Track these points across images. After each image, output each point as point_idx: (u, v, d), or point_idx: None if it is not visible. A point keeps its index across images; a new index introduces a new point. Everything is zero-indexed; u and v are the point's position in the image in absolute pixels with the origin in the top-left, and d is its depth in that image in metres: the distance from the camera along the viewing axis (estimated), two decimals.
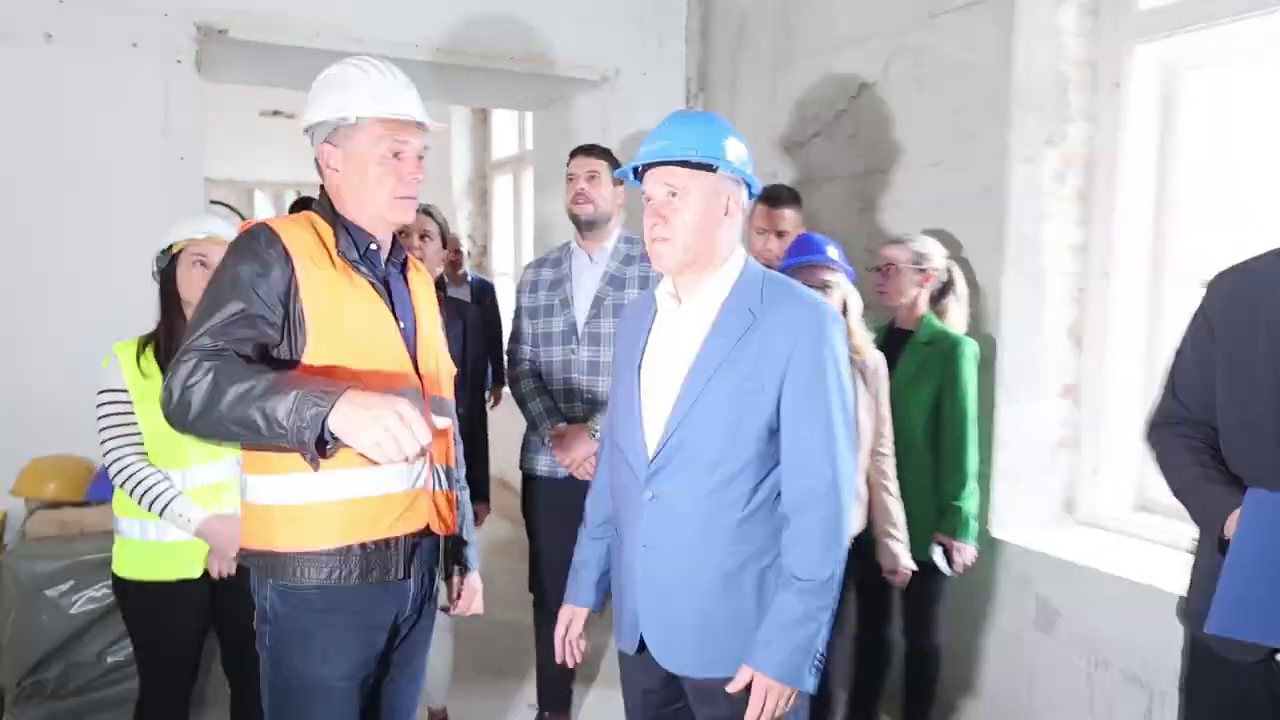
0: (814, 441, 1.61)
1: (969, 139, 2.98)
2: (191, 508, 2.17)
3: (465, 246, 4.10)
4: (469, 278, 3.88)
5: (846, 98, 3.47)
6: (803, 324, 1.62)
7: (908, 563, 2.47)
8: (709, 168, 1.64)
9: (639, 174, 1.71)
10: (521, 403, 2.87)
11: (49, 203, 3.11)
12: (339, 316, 1.62)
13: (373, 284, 1.70)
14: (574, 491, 2.52)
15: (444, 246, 2.92)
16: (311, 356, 1.59)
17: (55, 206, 3.12)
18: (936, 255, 2.74)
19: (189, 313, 2.23)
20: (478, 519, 3.01)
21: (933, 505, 2.64)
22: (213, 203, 7.28)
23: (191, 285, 2.21)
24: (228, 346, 1.52)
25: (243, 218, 7.41)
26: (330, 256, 1.66)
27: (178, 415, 1.49)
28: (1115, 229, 2.85)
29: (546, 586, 2.92)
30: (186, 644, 2.29)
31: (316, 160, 1.73)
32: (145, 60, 3.21)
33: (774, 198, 2.97)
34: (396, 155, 1.69)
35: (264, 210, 8.16)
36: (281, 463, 1.61)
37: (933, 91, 3.11)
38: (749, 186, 1.71)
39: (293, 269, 1.60)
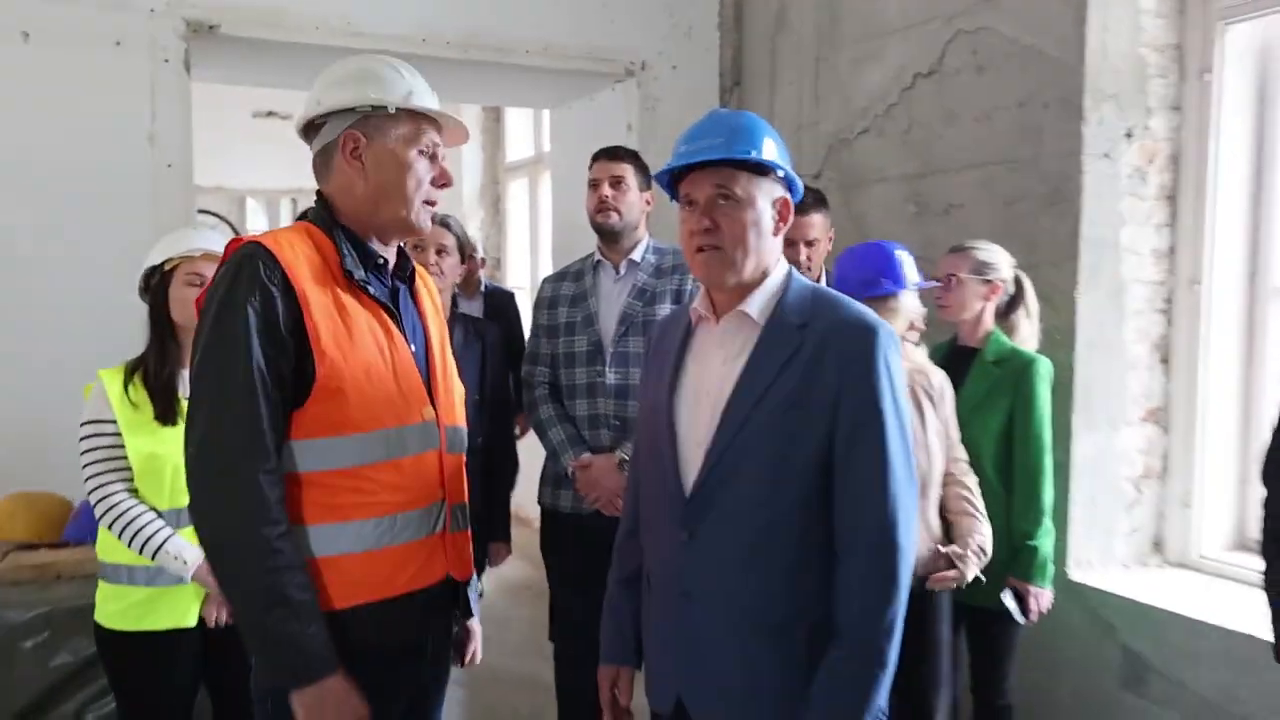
0: (867, 475, 1.58)
1: (1037, 134, 2.95)
2: (187, 548, 2.18)
3: (479, 254, 4.07)
4: (484, 287, 3.86)
5: (898, 90, 3.46)
6: (856, 344, 1.59)
7: (964, 575, 2.39)
8: (763, 171, 1.64)
9: (675, 179, 1.70)
10: (540, 431, 2.86)
11: (24, 214, 3.15)
12: (349, 347, 1.60)
13: (384, 305, 1.68)
14: (601, 530, 2.50)
15: (463, 261, 2.92)
16: (321, 392, 1.57)
17: (31, 218, 3.16)
18: (1003, 264, 2.70)
19: (182, 336, 2.25)
20: (496, 559, 3.01)
21: (1004, 545, 2.58)
22: (201, 212, 7.37)
23: (185, 307, 2.22)
24: (266, 448, 1.52)
25: (234, 228, 7.48)
26: (334, 275, 1.63)
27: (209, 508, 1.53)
28: (1205, 232, 2.81)
29: (568, 636, 2.89)
30: (177, 702, 2.27)
31: (320, 157, 1.69)
32: (130, 60, 3.25)
33: (799, 204, 2.94)
34: (432, 156, 1.69)
35: (256, 221, 8.25)
36: (299, 513, 1.59)
37: (995, 81, 3.09)
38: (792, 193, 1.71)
39: (297, 297, 1.56)
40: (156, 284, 2.26)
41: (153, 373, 2.22)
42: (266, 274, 1.55)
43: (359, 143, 1.66)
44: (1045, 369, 2.63)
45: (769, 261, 1.68)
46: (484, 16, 3.77)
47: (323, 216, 1.69)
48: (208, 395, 1.54)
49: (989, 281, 2.67)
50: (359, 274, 1.65)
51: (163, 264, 2.27)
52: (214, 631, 2.24)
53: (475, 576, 1.98)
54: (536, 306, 2.97)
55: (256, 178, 7.68)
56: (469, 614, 1.93)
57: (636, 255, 2.85)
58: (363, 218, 1.68)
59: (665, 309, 2.74)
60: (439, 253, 2.84)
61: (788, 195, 1.70)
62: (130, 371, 2.24)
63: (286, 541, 1.52)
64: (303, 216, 1.72)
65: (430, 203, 1.71)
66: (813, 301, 1.67)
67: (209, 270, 2.22)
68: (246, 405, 1.51)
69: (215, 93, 4.75)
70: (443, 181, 1.71)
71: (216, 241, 2.30)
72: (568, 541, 2.88)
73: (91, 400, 2.21)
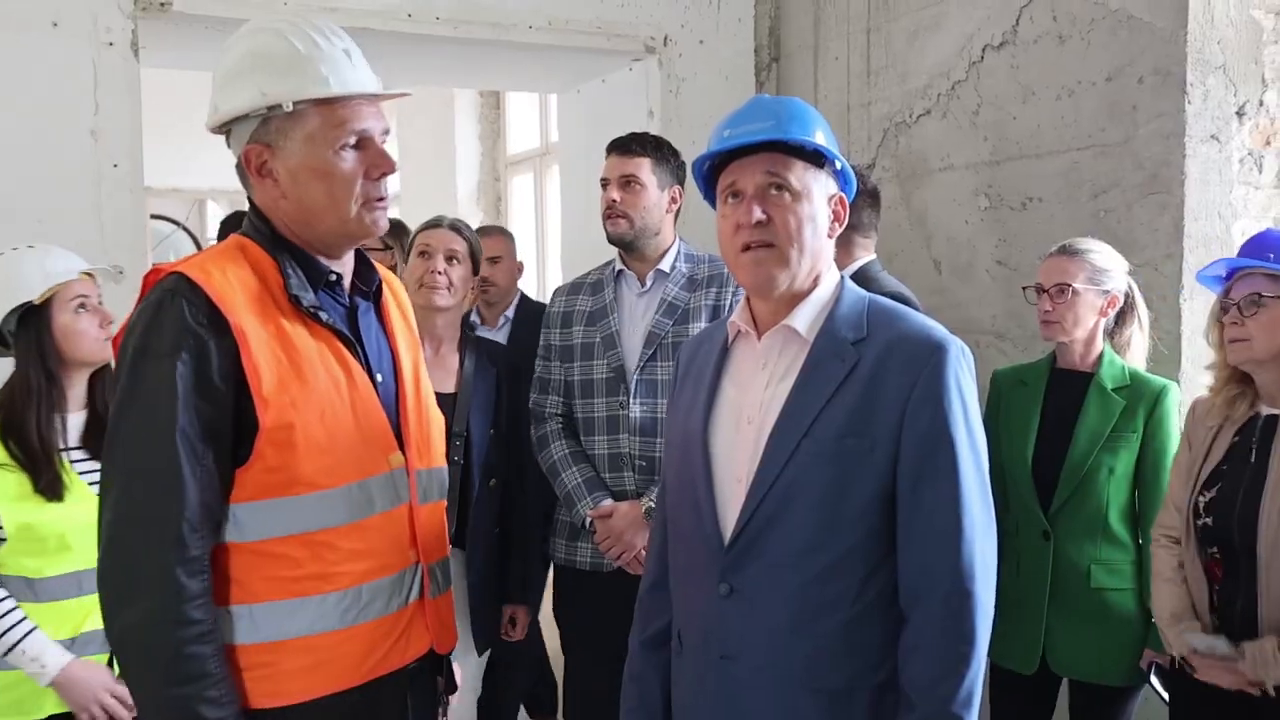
0: (940, 512, 1.57)
1: (1130, 113, 2.93)
2: (49, 650, 2.17)
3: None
4: (514, 303, 3.76)
5: (966, 64, 3.45)
6: (921, 362, 1.59)
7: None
8: (818, 162, 1.64)
9: (712, 171, 1.70)
10: (552, 473, 2.83)
11: None
12: (298, 389, 1.56)
13: (339, 333, 1.64)
14: (625, 590, 2.46)
15: (474, 272, 2.87)
16: (267, 446, 1.54)
17: None
18: (1119, 271, 2.63)
19: (72, 376, 2.26)
20: (515, 626, 2.92)
21: (1136, 612, 2.55)
22: (154, 217, 7.45)
23: (81, 340, 2.24)
24: (181, 537, 1.48)
25: (191, 235, 7.56)
26: (276, 302, 1.59)
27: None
28: None
29: (584, 713, 2.87)
30: None
31: (240, 169, 1.64)
32: (68, 42, 3.27)
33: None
34: (358, 145, 1.61)
35: (218, 226, 8.32)
36: (247, 588, 1.56)
37: (1080, 53, 3.07)
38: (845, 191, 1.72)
39: (234, 337, 1.51)
40: (31, 323, 2.23)
41: (30, 432, 2.20)
42: (192, 314, 1.50)
43: (263, 157, 1.60)
44: (1177, 397, 2.58)
45: (821, 266, 1.68)
46: None
47: (260, 230, 1.64)
48: (120, 472, 1.51)
49: (1107, 292, 2.60)
50: (307, 298, 1.61)
51: (51, 297, 2.24)
52: None
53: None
54: (546, 324, 2.94)
55: (219, 178, 7.76)
56: (454, 688, 1.91)
57: (665, 265, 2.82)
58: (301, 232, 1.64)
59: (700, 329, 2.70)
60: (449, 260, 2.77)
61: (843, 193, 1.70)
62: None
63: (204, 645, 1.48)
64: (229, 227, 1.67)
65: (375, 200, 1.63)
66: (870, 313, 1.67)
67: (94, 291, 2.24)
68: (163, 483, 1.47)
69: (168, 80, 4.80)
70: (380, 170, 1.63)
71: (78, 260, 2.31)
72: (586, 603, 2.86)
73: None
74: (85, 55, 3.29)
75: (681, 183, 2.84)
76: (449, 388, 2.76)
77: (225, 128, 1.63)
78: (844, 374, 1.61)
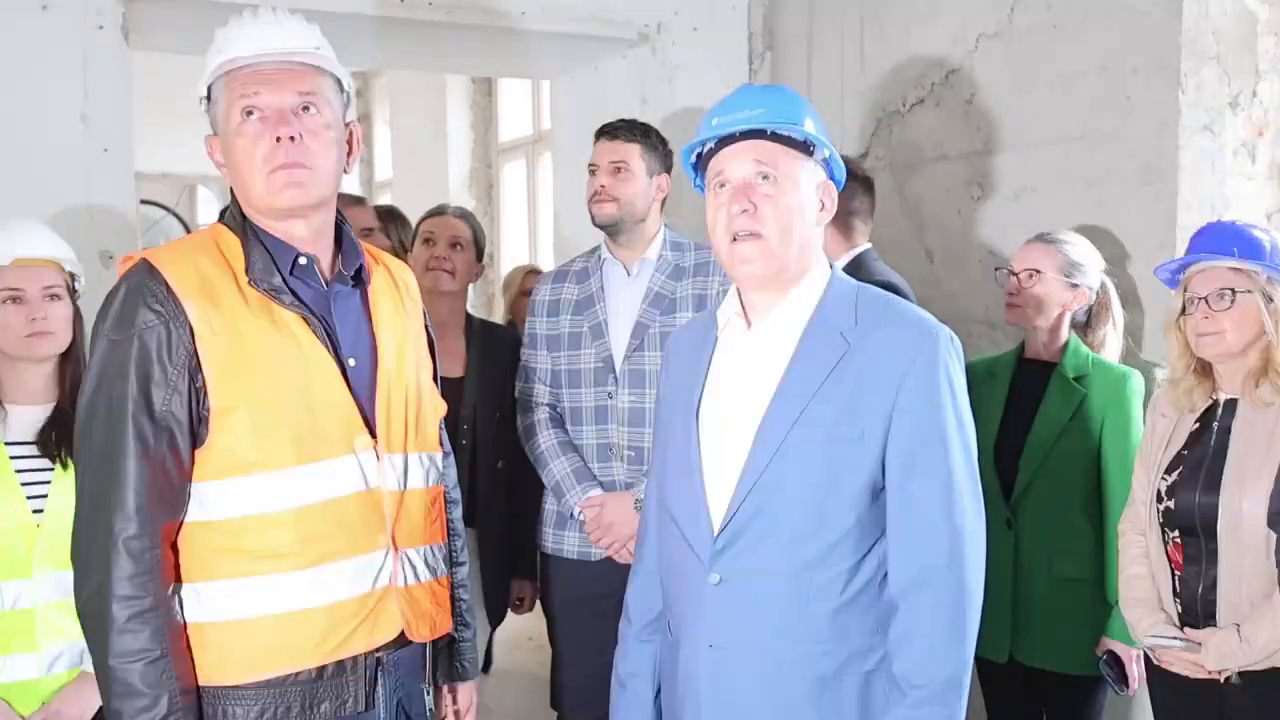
0: (930, 501, 1.59)
1: (1124, 104, 2.93)
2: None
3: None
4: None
5: (960, 53, 3.44)
6: (911, 350, 1.60)
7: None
8: (807, 150, 1.65)
9: (700, 159, 1.71)
10: (540, 462, 2.82)
11: None
12: (254, 371, 1.60)
13: (304, 317, 1.65)
14: (611, 579, 2.48)
15: (479, 259, 2.93)
16: (217, 426, 1.59)
17: None
18: (1092, 268, 2.65)
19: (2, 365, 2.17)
20: (524, 603, 2.99)
21: (1095, 601, 2.56)
22: (144, 203, 7.41)
23: (8, 329, 2.12)
24: (129, 513, 1.54)
25: (181, 221, 7.52)
26: (239, 286, 1.62)
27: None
28: None
29: (573, 702, 2.87)
30: None
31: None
32: (58, 25, 3.24)
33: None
34: (249, 114, 1.61)
35: (210, 212, 8.29)
36: (216, 563, 1.61)
37: (1075, 42, 3.06)
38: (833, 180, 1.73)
39: (188, 321, 1.57)
40: None
41: None
42: (149, 300, 1.57)
43: (213, 143, 1.71)
44: (1139, 385, 2.59)
45: (811, 255, 1.68)
46: None
47: (234, 216, 1.71)
48: (81, 453, 1.61)
49: (1075, 286, 2.62)
50: (270, 282, 1.63)
51: None
52: None
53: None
54: (532, 313, 2.93)
55: (208, 163, 7.71)
56: (456, 676, 1.91)
57: (651, 253, 2.81)
58: (255, 215, 1.69)
59: (686, 318, 2.70)
60: (453, 246, 2.84)
61: (831, 181, 1.71)
62: None
63: (142, 622, 1.53)
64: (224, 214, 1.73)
65: (284, 167, 1.61)
66: (860, 302, 1.68)
67: (31, 282, 2.13)
68: (111, 464, 1.55)
69: (158, 65, 4.76)
70: (277, 132, 1.60)
71: (28, 242, 2.19)
72: (572, 593, 2.85)
73: None
74: (75, 39, 3.25)
75: (669, 171, 2.83)
76: (455, 372, 2.83)
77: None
78: (834, 363, 1.61)
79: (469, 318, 2.95)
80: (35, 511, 2.13)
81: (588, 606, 2.75)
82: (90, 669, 1.98)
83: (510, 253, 6.90)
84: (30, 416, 2.19)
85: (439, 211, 2.93)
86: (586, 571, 2.78)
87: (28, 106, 3.22)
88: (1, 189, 3.16)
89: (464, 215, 2.93)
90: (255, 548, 1.60)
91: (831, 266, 1.73)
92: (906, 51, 3.65)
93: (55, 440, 2.17)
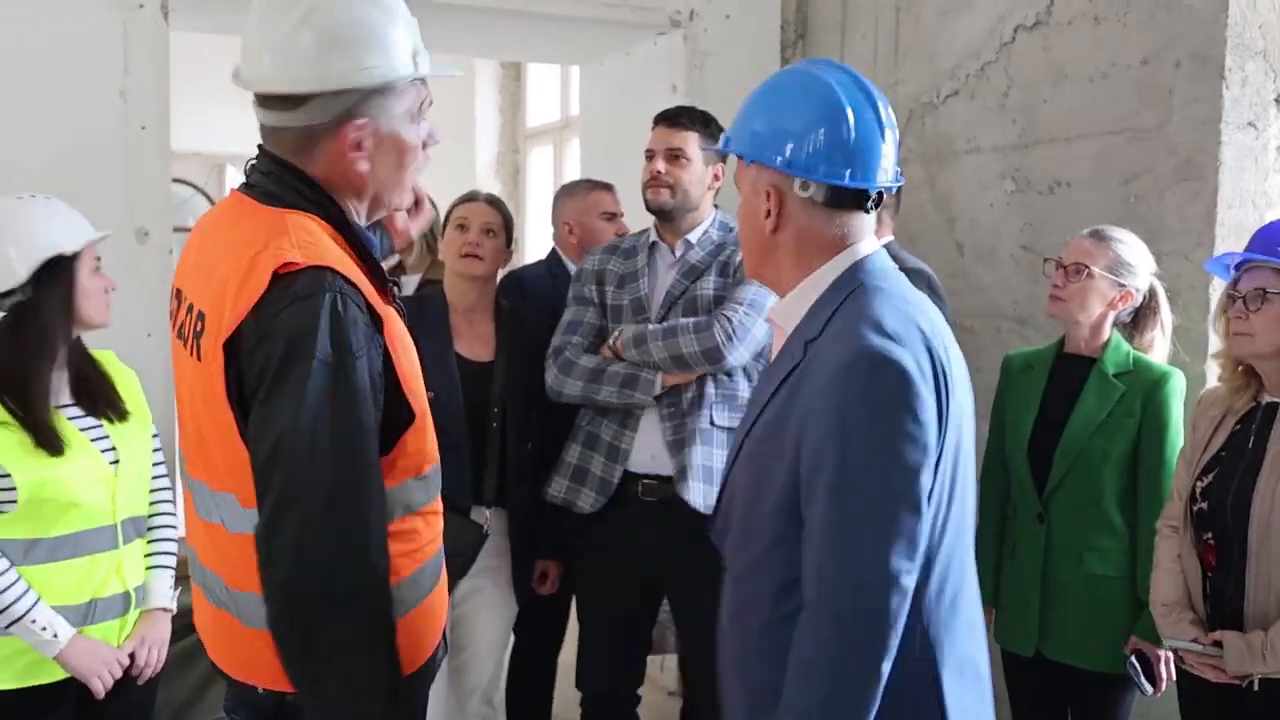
0: (811, 538, 1.49)
1: (1165, 98, 2.89)
2: (59, 620, 2.15)
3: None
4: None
5: (996, 45, 3.40)
6: (829, 374, 1.49)
7: None
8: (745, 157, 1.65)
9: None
10: (594, 379, 2.74)
11: None
12: (414, 373, 1.61)
13: (400, 311, 1.65)
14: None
15: (508, 244, 2.96)
16: (412, 428, 1.59)
17: None
18: (1143, 270, 2.60)
19: (74, 334, 2.24)
20: (548, 582, 3.09)
21: (1127, 600, 2.54)
22: (175, 181, 7.38)
23: (96, 299, 2.24)
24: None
25: (210, 199, 7.51)
26: (376, 288, 1.57)
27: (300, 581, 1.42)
28: None
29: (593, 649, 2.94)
30: None
31: (299, 135, 1.55)
32: (100, 4, 3.25)
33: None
34: (426, 142, 1.65)
35: None
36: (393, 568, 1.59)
37: (1115, 34, 3.02)
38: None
39: (383, 334, 1.52)
40: (58, 275, 2.17)
41: (34, 386, 2.16)
42: (357, 310, 1.47)
43: (363, 132, 1.55)
44: (1180, 385, 2.55)
45: (778, 262, 1.64)
46: None
47: (329, 211, 1.57)
48: (321, 482, 1.42)
49: (1123, 286, 2.58)
50: (382, 278, 1.62)
51: (76, 254, 2.20)
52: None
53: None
54: (578, 279, 2.96)
55: (238, 143, 7.69)
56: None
57: (694, 236, 2.82)
58: (355, 205, 1.62)
59: (709, 282, 2.76)
60: (485, 232, 2.86)
61: (791, 175, 1.58)
62: None
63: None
64: (248, 188, 1.60)
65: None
66: (838, 310, 1.57)
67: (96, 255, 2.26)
68: (368, 496, 1.47)
69: (191, 45, 4.75)
70: (433, 142, 1.65)
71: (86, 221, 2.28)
72: (586, 543, 2.89)
73: None
74: (117, 19, 3.27)
75: (725, 160, 2.81)
76: (485, 356, 2.88)
77: (318, 99, 1.53)
78: (784, 374, 1.58)
79: (498, 302, 2.95)
80: (112, 463, 2.27)
81: (601, 558, 2.86)
82: (159, 605, 2.37)
83: (535, 238, 6.88)
84: (61, 379, 2.27)
85: (471, 198, 2.96)
86: (602, 529, 2.83)
87: (69, 83, 3.23)
88: (42, 164, 3.18)
89: (495, 202, 2.96)
90: (417, 541, 1.63)
91: (854, 264, 1.61)
92: (942, 42, 3.61)
93: (91, 397, 2.30)
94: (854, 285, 1.58)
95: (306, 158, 1.57)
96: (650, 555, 2.76)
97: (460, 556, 2.65)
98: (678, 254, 2.83)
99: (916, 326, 1.52)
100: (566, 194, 3.64)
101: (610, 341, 2.78)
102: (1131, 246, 2.60)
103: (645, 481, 2.73)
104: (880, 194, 1.60)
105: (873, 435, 1.45)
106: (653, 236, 2.88)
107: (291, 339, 1.41)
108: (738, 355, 2.64)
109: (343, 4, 1.54)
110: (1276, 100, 2.78)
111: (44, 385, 2.18)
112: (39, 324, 2.17)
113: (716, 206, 2.89)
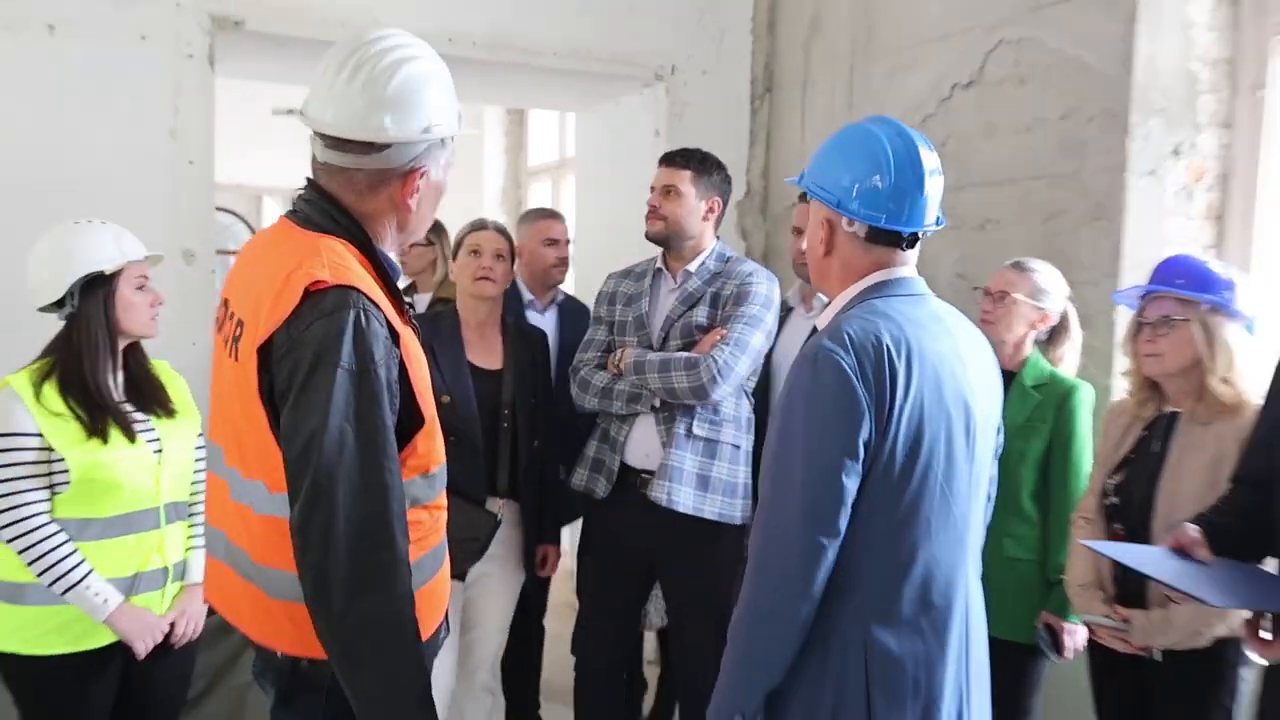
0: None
1: (1080, 149, 2.94)
2: (110, 588, 2.20)
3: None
4: (558, 299, 3.63)
5: (936, 101, 3.45)
6: (796, 362, 1.67)
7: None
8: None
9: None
10: (605, 395, 2.81)
11: (43, 208, 3.15)
12: (427, 379, 1.62)
13: (415, 329, 1.67)
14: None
15: (511, 267, 3.00)
16: (423, 432, 1.60)
17: (49, 212, 3.16)
18: (1058, 295, 2.67)
19: (118, 344, 2.28)
20: (548, 565, 3.09)
21: (1038, 579, 2.59)
22: (218, 209, 7.41)
23: (137, 312, 2.27)
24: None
25: (250, 227, 7.54)
26: (396, 307, 1.59)
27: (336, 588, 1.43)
28: (1254, 255, 2.78)
29: (596, 640, 2.97)
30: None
31: (367, 179, 1.57)
32: (154, 54, 3.28)
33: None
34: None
35: (273, 220, 8.30)
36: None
37: (1037, 94, 3.07)
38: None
39: (399, 346, 1.53)
40: (99, 290, 2.23)
41: (95, 385, 2.21)
42: (379, 327, 1.48)
43: (422, 179, 1.60)
44: (1088, 395, 2.61)
45: (833, 281, 1.77)
46: (511, 17, 3.79)
47: (359, 238, 1.59)
48: (342, 486, 1.43)
49: (1041, 310, 2.65)
50: (402, 300, 1.64)
51: (117, 271, 2.25)
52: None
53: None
54: (598, 300, 3.03)
55: (274, 176, 7.73)
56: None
57: (693, 265, 2.86)
58: (389, 241, 1.64)
59: (702, 312, 2.78)
60: (496, 257, 2.89)
61: (834, 215, 1.73)
62: (40, 378, 2.20)
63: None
64: (293, 214, 1.62)
65: None
66: (829, 327, 1.70)
67: (148, 275, 2.30)
68: (383, 497, 1.46)
69: (234, 88, 4.80)
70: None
71: (138, 240, 2.33)
72: (603, 538, 2.92)
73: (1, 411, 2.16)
74: (168, 65, 3.31)
75: (723, 195, 2.88)
76: (495, 365, 2.90)
77: (394, 147, 1.56)
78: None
79: (503, 318, 3.00)
80: (155, 452, 2.31)
81: (614, 540, 2.87)
82: (198, 581, 2.34)
83: None
84: (117, 380, 2.33)
85: (481, 225, 2.98)
86: (617, 514, 2.84)
87: (125, 122, 3.27)
88: (101, 193, 3.20)
89: (501, 230, 2.99)
90: (420, 530, 1.62)
91: (883, 284, 1.73)
92: (890, 98, 3.66)
93: (139, 397, 2.34)
94: (863, 301, 1.69)
95: (369, 195, 1.58)
96: (647, 538, 2.79)
97: (475, 542, 2.69)
98: (678, 281, 2.87)
99: (875, 337, 1.60)
100: (521, 220, 3.68)
101: (614, 358, 2.83)
102: (1049, 276, 2.67)
103: (641, 475, 2.78)
104: (915, 234, 1.70)
105: (806, 417, 1.59)
106: (658, 263, 2.93)
107: (319, 349, 1.42)
108: (721, 393, 2.67)
109: (421, 64, 1.58)
110: (1174, 152, 2.81)
111: (96, 383, 2.22)
112: (86, 332, 2.23)
113: (718, 237, 2.93)
